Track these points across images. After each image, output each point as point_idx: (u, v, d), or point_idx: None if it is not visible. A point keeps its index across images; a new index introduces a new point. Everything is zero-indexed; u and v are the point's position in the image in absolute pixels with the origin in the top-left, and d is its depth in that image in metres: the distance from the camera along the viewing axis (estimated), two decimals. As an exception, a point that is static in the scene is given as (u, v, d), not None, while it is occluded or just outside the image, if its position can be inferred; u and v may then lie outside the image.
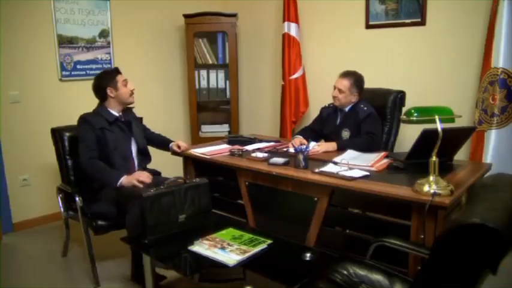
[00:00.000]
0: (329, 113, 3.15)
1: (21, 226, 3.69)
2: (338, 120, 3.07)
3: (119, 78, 2.87)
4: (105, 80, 2.87)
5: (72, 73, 3.92)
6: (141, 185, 2.62)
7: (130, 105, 3.01)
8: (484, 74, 3.12)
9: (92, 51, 4.03)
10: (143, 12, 4.36)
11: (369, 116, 2.92)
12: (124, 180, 2.67)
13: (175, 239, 2.25)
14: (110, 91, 2.85)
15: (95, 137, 2.77)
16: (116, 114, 2.90)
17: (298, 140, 2.97)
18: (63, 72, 3.86)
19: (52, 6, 3.73)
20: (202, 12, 4.34)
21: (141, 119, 3.15)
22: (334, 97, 3.01)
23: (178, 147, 3.06)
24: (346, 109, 3.02)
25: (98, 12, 4.02)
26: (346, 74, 3.00)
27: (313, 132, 3.16)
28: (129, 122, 2.95)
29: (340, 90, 2.96)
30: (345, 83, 2.95)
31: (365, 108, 2.95)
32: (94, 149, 2.76)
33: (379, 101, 3.15)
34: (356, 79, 2.98)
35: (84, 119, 2.83)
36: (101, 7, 4.04)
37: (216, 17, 4.39)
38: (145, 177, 2.68)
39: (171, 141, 3.14)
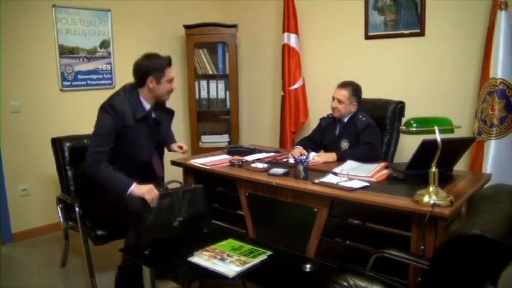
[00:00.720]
0: (328, 123, 3.15)
1: (21, 236, 3.68)
2: (337, 131, 3.08)
3: (167, 72, 2.54)
4: (152, 67, 2.52)
5: (73, 83, 3.93)
6: (151, 202, 2.34)
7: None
8: (482, 85, 3.13)
9: (93, 61, 4.05)
10: (144, 23, 4.39)
11: (368, 126, 2.92)
12: (135, 189, 2.38)
13: (174, 250, 2.25)
14: (150, 80, 2.52)
15: (115, 132, 2.47)
16: (148, 106, 2.60)
17: (298, 150, 2.98)
18: (64, 83, 3.87)
19: (54, 17, 3.76)
20: (202, 23, 4.38)
21: (173, 113, 2.85)
22: (333, 108, 3.01)
23: (180, 147, 2.94)
24: (345, 120, 3.03)
25: (99, 23, 4.05)
26: (344, 84, 3.01)
27: (313, 142, 3.16)
28: (158, 121, 2.69)
29: (339, 101, 2.97)
30: (344, 93, 2.96)
31: (364, 118, 2.95)
32: (108, 145, 2.45)
33: (378, 112, 3.16)
34: (354, 88, 2.99)
35: (111, 106, 2.49)
36: (102, 18, 4.07)
37: (216, 28, 4.42)
38: (154, 196, 2.35)
39: (174, 141, 2.99)
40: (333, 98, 3.00)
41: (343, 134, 3.02)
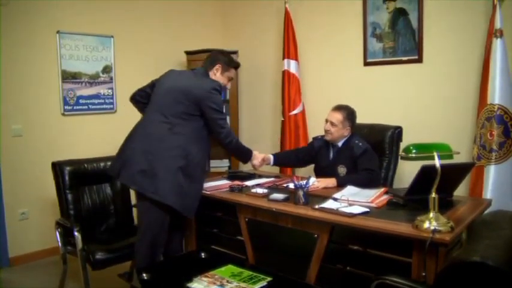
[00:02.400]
0: (321, 146, 3.12)
1: (18, 261, 3.65)
2: (331, 155, 3.05)
3: (232, 72, 2.81)
4: (225, 58, 2.78)
5: (75, 108, 3.97)
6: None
7: None
8: (480, 110, 3.16)
9: (95, 86, 4.10)
10: (146, 49, 4.46)
11: (365, 152, 2.90)
12: (253, 158, 2.97)
13: (173, 276, 2.23)
14: (217, 68, 2.74)
15: None
16: None
17: (262, 155, 3.08)
18: (66, 107, 3.91)
19: (57, 43, 3.83)
20: (203, 49, 4.43)
21: None
22: (326, 131, 3.00)
23: None
24: (339, 144, 3.01)
25: (102, 49, 4.12)
26: (339, 108, 3.00)
27: (294, 157, 3.29)
28: None
29: (332, 124, 2.95)
30: (338, 117, 2.95)
31: (360, 144, 2.92)
32: None
33: (377, 137, 3.17)
34: (349, 113, 2.98)
35: (218, 85, 2.69)
36: (105, 44, 4.14)
37: (217, 54, 4.48)
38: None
39: None
40: (326, 121, 2.99)
41: (338, 159, 2.99)
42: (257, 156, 3.00)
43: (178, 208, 2.55)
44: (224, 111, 2.74)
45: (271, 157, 3.17)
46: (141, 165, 2.50)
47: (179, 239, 2.95)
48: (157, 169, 2.49)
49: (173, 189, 2.51)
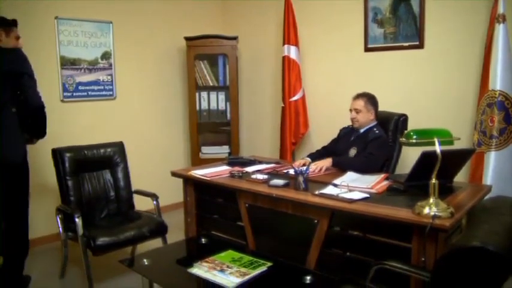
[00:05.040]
0: (346, 132, 3.21)
1: (19, 247, 3.66)
2: (351, 139, 3.12)
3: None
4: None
5: (74, 94, 3.95)
6: None
7: None
8: (481, 96, 3.15)
9: (94, 72, 4.07)
10: (145, 35, 4.42)
11: (377, 138, 2.95)
12: None
13: (174, 261, 2.24)
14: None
15: None
16: None
17: (302, 161, 3.01)
18: (65, 93, 3.89)
19: (56, 29, 3.79)
20: (203, 35, 4.41)
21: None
22: (352, 119, 3.06)
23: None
24: (362, 130, 3.06)
25: (101, 35, 4.09)
26: (359, 95, 3.08)
27: (325, 151, 3.22)
28: None
29: (357, 110, 3.02)
30: (360, 102, 3.02)
31: (377, 131, 3.00)
32: None
33: (381, 124, 3.16)
34: (369, 97, 3.06)
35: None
36: (104, 30, 4.10)
37: (217, 40, 4.45)
38: None
39: None
40: (351, 110, 3.06)
41: (355, 142, 3.06)
42: None
43: None
44: None
45: (309, 159, 3.08)
46: None
47: None
48: None
49: None
